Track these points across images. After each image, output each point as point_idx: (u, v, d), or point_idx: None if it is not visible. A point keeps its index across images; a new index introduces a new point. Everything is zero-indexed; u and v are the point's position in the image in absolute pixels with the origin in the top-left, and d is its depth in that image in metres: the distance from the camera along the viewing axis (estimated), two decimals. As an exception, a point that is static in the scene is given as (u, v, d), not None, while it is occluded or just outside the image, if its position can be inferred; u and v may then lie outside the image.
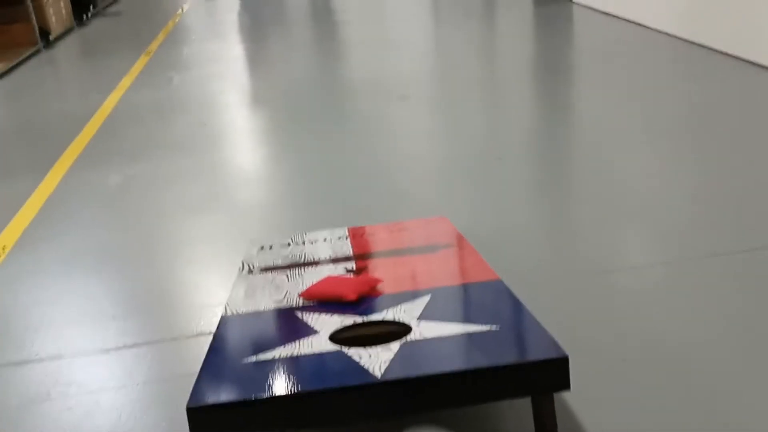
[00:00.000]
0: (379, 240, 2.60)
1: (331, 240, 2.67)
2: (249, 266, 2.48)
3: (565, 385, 1.55)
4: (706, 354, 2.07)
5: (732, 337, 2.14)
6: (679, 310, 2.30)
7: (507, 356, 1.55)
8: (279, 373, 1.58)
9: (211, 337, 2.43)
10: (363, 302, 2.00)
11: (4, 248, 3.27)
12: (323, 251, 2.54)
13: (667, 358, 2.07)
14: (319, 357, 1.65)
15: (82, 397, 2.19)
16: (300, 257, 2.53)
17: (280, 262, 2.51)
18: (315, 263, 2.42)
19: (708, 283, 2.43)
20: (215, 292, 2.73)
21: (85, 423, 2.06)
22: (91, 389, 2.22)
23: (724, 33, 5.25)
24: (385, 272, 2.22)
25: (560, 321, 2.31)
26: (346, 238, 2.69)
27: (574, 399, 1.94)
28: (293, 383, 1.53)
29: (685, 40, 5.72)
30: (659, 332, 2.19)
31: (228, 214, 3.42)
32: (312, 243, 2.68)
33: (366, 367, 1.57)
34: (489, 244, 2.86)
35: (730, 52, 5.20)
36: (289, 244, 2.69)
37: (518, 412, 1.92)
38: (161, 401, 2.12)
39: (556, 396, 1.97)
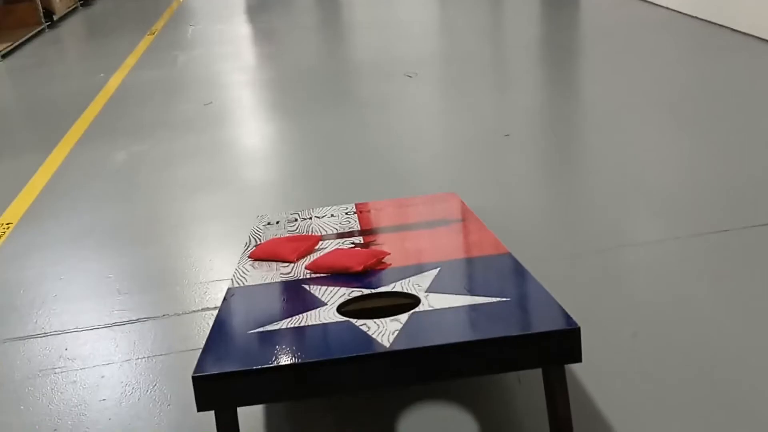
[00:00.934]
0: (387, 215, 2.57)
1: (338, 215, 2.64)
2: (256, 240, 2.45)
3: (577, 356, 1.52)
4: (715, 326, 2.04)
5: (741, 310, 2.10)
6: (688, 285, 2.26)
7: (517, 327, 1.52)
8: (285, 343, 1.56)
9: (216, 312, 2.41)
10: (371, 275, 1.97)
11: (9, 224, 3.24)
12: (330, 226, 2.51)
13: (677, 331, 2.04)
14: (327, 328, 1.62)
15: (87, 370, 2.17)
16: (307, 232, 2.50)
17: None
18: (318, 237, 2.38)
19: (717, 258, 2.40)
20: (220, 267, 2.70)
21: (90, 395, 2.04)
22: (95, 363, 2.20)
23: (740, 11, 5.18)
24: (392, 246, 2.19)
25: (570, 295, 2.27)
26: (354, 213, 2.65)
27: (585, 372, 1.91)
28: (300, 353, 1.50)
29: (700, 19, 5.65)
30: (669, 306, 2.16)
31: (234, 191, 3.39)
32: (319, 218, 2.65)
33: (374, 337, 1.54)
34: (498, 221, 2.82)
35: (746, 31, 5.13)
36: (296, 219, 2.66)
37: (528, 386, 1.89)
38: (166, 375, 2.10)
39: (567, 369, 1.94)
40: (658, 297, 2.22)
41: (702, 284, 2.26)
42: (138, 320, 2.41)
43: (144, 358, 2.20)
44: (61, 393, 2.07)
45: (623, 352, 1.98)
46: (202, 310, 2.44)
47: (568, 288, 2.32)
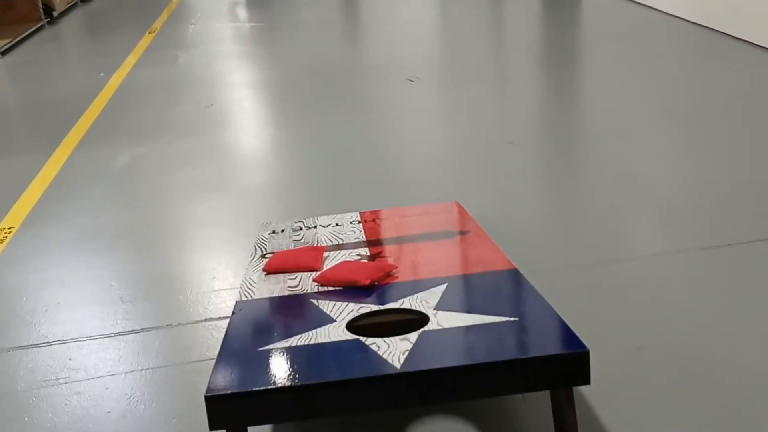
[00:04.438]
0: (392, 225, 2.57)
1: (342, 224, 2.64)
2: (261, 250, 2.45)
3: (585, 379, 1.52)
4: (719, 343, 2.05)
5: (746, 327, 2.11)
6: (692, 300, 2.27)
7: (527, 349, 1.53)
8: (296, 362, 1.56)
9: (219, 323, 2.41)
10: (378, 289, 1.97)
11: (11, 229, 3.24)
12: (335, 236, 2.51)
13: (682, 348, 2.04)
14: (337, 346, 1.62)
15: (91, 381, 2.16)
16: (312, 242, 2.50)
17: (292, 246, 2.47)
18: (326, 248, 2.38)
19: (721, 273, 2.40)
20: (224, 276, 2.70)
21: (94, 407, 2.04)
22: (99, 374, 2.20)
23: (742, 19, 5.19)
24: (399, 258, 2.19)
25: (572, 309, 2.28)
26: (358, 222, 2.65)
27: (589, 388, 1.92)
28: (311, 373, 1.50)
29: (701, 26, 5.66)
30: (673, 321, 2.17)
31: (236, 195, 3.38)
32: (324, 227, 2.64)
33: (385, 357, 1.54)
34: (499, 230, 2.82)
35: (748, 39, 5.14)
36: (300, 228, 2.66)
37: (534, 404, 1.89)
38: (171, 387, 2.10)
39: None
40: (662, 312, 2.22)
41: (706, 299, 2.27)
42: (142, 330, 2.41)
43: (148, 369, 2.19)
44: (66, 405, 2.07)
45: (628, 367, 1.99)
46: (206, 320, 2.43)
47: (570, 300, 2.32)
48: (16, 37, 7.28)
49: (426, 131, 4.01)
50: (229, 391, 1.45)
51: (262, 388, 1.46)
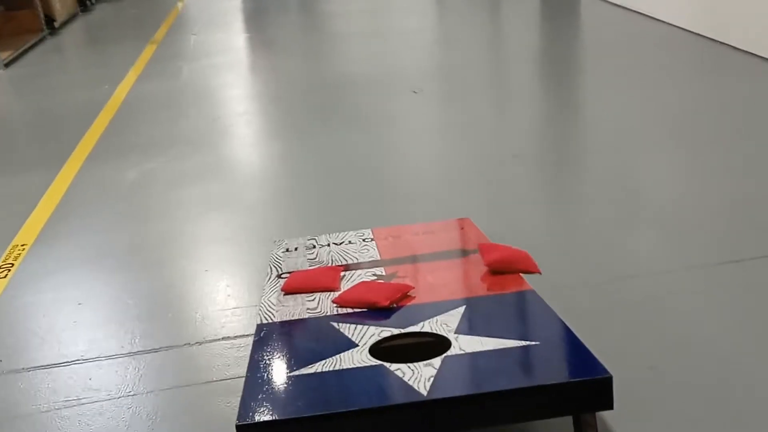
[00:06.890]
0: (405, 243, 2.60)
1: (356, 242, 2.67)
2: (277, 269, 2.48)
3: (609, 404, 1.56)
4: (734, 361, 2.08)
5: (761, 343, 2.15)
6: (702, 317, 2.30)
7: (552, 376, 1.56)
8: (325, 389, 1.59)
9: (237, 341, 2.44)
10: (397, 310, 2.01)
11: (24, 246, 3.26)
12: (350, 254, 2.54)
13: (695, 366, 2.08)
14: (362, 372, 1.65)
15: (112, 401, 2.19)
16: (327, 260, 2.53)
17: (307, 265, 2.51)
18: (343, 267, 2.42)
19: (730, 289, 2.44)
20: (238, 294, 2.73)
21: (117, 428, 2.07)
22: (120, 393, 2.23)
23: (743, 30, 5.24)
24: (415, 278, 2.23)
25: (582, 327, 2.31)
26: (371, 240, 2.68)
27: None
28: (342, 401, 1.54)
29: (701, 36, 5.71)
30: (684, 339, 2.20)
31: (245, 211, 3.42)
32: (337, 245, 2.68)
33: (411, 384, 1.58)
34: (512, 248, 2.85)
35: (751, 50, 5.18)
36: (314, 246, 2.69)
37: (557, 428, 1.93)
38: (193, 407, 2.13)
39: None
40: (672, 330, 2.26)
41: (718, 315, 2.31)
42: (161, 349, 2.44)
43: (169, 389, 2.22)
44: (89, 425, 2.10)
45: (642, 386, 2.02)
46: (223, 339, 2.46)
47: (580, 318, 2.36)
48: (18, 49, 7.30)
49: (431, 144, 4.04)
50: (260, 420, 1.48)
51: (293, 416, 1.49)
